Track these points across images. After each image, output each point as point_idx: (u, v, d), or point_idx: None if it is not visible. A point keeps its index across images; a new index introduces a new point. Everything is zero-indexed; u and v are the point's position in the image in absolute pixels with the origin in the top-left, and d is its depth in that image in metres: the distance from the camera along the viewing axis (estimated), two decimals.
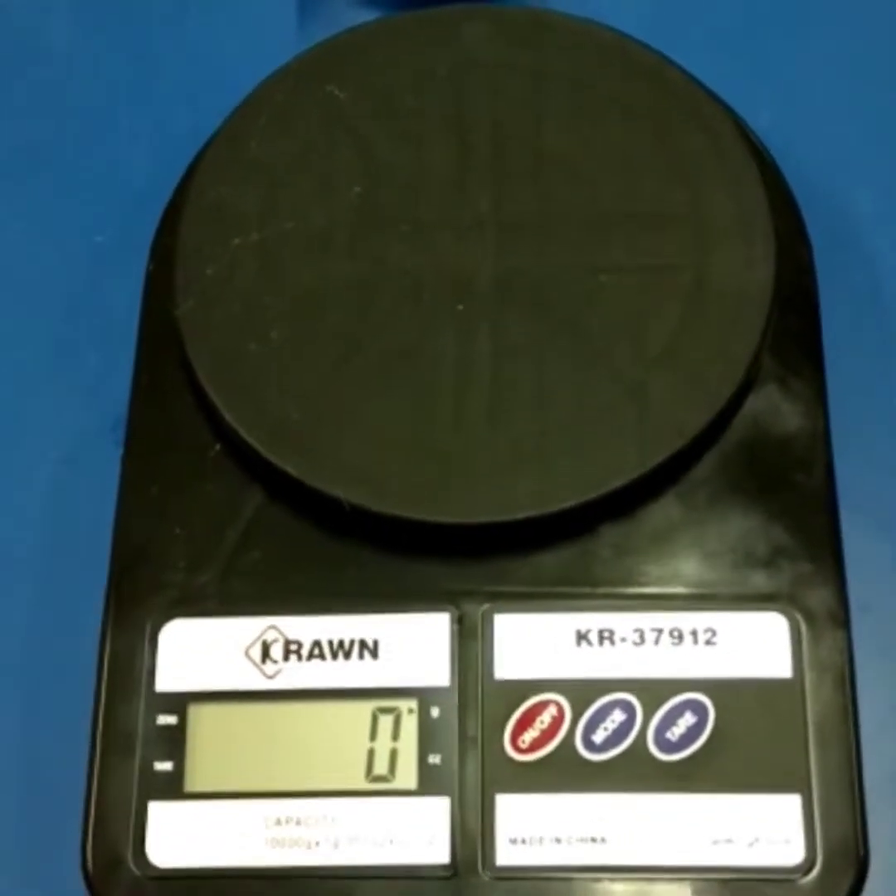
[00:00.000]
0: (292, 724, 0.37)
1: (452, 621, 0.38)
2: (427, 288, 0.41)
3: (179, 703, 0.37)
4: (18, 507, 0.44)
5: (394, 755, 0.37)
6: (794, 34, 0.50)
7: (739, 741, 0.36)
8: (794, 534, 0.39)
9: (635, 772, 0.36)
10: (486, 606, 0.38)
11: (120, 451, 0.41)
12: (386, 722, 0.37)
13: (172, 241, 0.42)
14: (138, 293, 0.43)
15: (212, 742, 0.37)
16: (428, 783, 0.37)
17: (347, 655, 0.38)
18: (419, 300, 0.41)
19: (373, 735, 0.37)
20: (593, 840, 0.36)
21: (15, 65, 0.51)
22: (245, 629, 0.38)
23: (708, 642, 0.37)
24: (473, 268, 0.41)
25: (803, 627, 0.37)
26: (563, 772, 0.36)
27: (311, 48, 0.45)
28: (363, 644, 0.38)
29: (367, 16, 0.50)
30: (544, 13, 0.47)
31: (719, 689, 0.37)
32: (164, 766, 0.37)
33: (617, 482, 0.38)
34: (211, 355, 0.40)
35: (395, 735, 0.37)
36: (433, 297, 0.41)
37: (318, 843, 0.36)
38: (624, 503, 0.38)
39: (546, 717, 0.37)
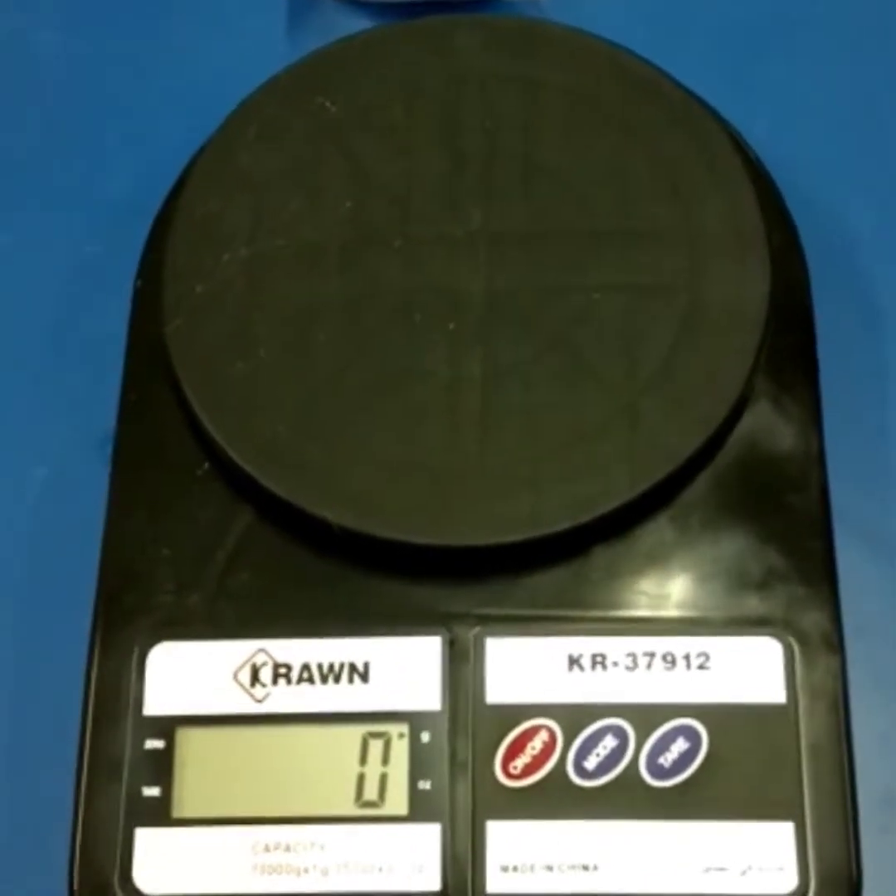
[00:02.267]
0: (281, 748, 0.37)
1: (444, 644, 0.37)
2: (418, 305, 0.40)
3: (167, 727, 0.37)
4: (4, 525, 0.43)
5: (384, 780, 0.36)
6: (791, 47, 0.50)
7: (732, 767, 0.36)
8: (787, 557, 0.38)
9: (627, 798, 0.36)
10: (477, 629, 0.37)
11: (107, 469, 0.40)
12: (376, 746, 0.37)
13: (160, 258, 0.41)
14: (126, 307, 0.43)
15: (200, 767, 0.37)
16: (418, 809, 0.36)
17: (337, 679, 0.37)
18: (410, 318, 0.40)
19: (363, 760, 0.37)
20: (585, 868, 0.36)
21: (3, 76, 0.51)
22: (234, 652, 0.38)
23: (701, 667, 0.37)
24: (465, 285, 0.41)
25: (797, 652, 0.37)
26: (555, 798, 0.36)
27: (300, 60, 0.45)
28: (353, 667, 0.37)
29: (357, 25, 0.49)
30: (537, 24, 0.47)
31: (712, 714, 0.37)
32: (152, 791, 0.36)
33: (609, 504, 0.38)
34: (199, 373, 0.40)
35: (386, 760, 0.37)
36: (424, 315, 0.40)
37: (307, 870, 0.36)
38: (616, 526, 0.38)
39: (537, 743, 0.36)
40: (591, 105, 0.43)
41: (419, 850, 0.36)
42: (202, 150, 0.43)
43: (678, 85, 0.44)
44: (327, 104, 0.43)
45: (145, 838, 0.36)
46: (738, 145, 0.43)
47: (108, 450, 0.41)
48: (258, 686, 0.37)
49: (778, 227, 0.42)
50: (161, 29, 0.51)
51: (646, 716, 0.37)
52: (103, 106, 0.50)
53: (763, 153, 0.44)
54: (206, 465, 0.40)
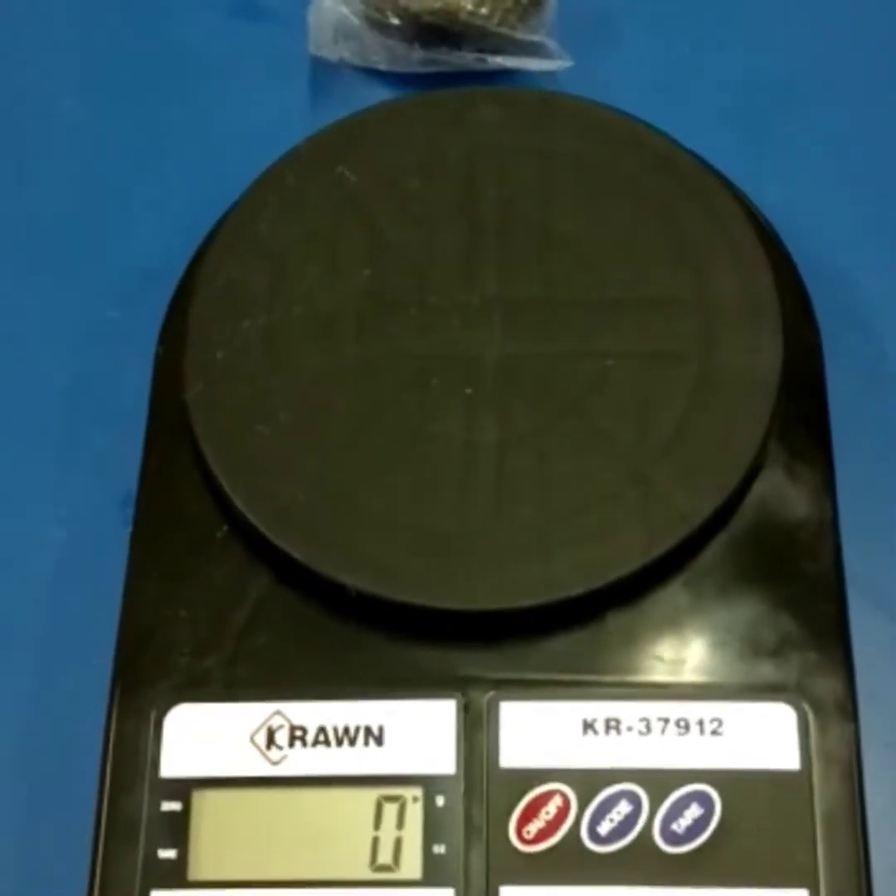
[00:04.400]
0: (296, 811, 0.37)
1: (458, 708, 0.38)
2: (434, 372, 0.41)
3: (184, 789, 0.37)
4: (25, 585, 0.44)
5: (398, 844, 0.37)
6: (803, 115, 0.50)
7: (746, 834, 0.36)
8: (801, 623, 0.38)
9: (641, 865, 0.36)
10: (491, 694, 0.38)
11: (128, 530, 0.41)
12: (391, 810, 0.37)
13: (181, 325, 0.42)
14: (147, 372, 0.43)
15: (216, 829, 0.37)
16: (433, 873, 0.36)
17: (352, 742, 0.38)
18: (426, 384, 0.41)
19: (377, 823, 0.37)
20: None
21: (28, 142, 0.52)
22: (250, 715, 0.38)
23: (714, 732, 0.37)
24: (481, 352, 0.41)
25: (811, 718, 0.37)
26: (569, 864, 0.36)
27: (320, 130, 0.46)
28: (368, 731, 0.38)
29: (378, 94, 0.51)
30: (551, 95, 0.48)
31: (726, 780, 0.37)
32: (168, 853, 0.37)
33: (623, 570, 0.38)
34: (219, 439, 0.40)
35: (400, 823, 0.37)
36: (440, 382, 0.41)
37: None
38: (630, 591, 0.38)
39: (552, 808, 0.37)
40: (605, 175, 0.44)
41: None
42: (224, 218, 0.44)
43: (691, 154, 0.45)
44: (347, 174, 0.44)
45: None
46: (751, 213, 0.44)
47: (129, 511, 0.41)
48: (274, 748, 0.38)
49: (790, 294, 0.43)
50: (184, 97, 0.52)
51: (659, 781, 0.37)
52: (127, 172, 0.51)
53: (775, 220, 0.45)
54: (225, 528, 0.40)
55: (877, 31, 0.52)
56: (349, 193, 0.44)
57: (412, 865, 0.36)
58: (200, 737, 0.38)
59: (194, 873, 0.37)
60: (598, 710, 0.37)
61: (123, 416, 0.44)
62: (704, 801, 0.36)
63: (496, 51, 0.50)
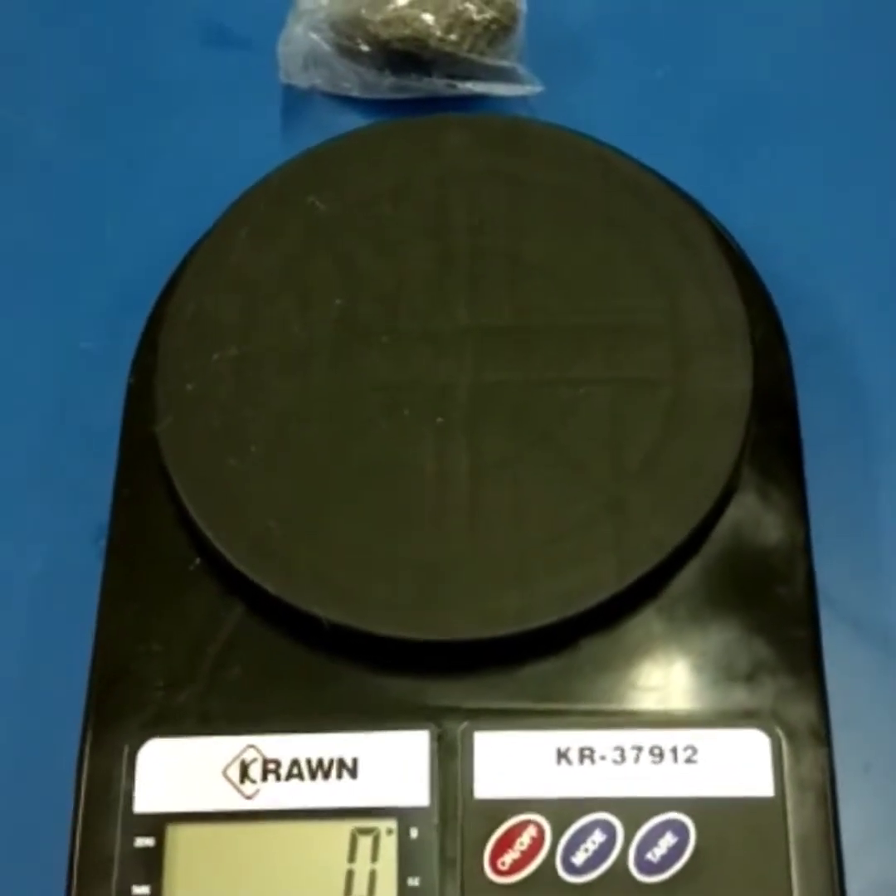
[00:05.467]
0: (271, 845, 0.37)
1: (432, 739, 0.37)
2: (406, 402, 0.41)
3: (158, 824, 0.37)
4: None
5: (373, 877, 0.36)
6: (773, 140, 0.50)
7: (721, 862, 0.36)
8: (774, 648, 0.38)
9: (616, 894, 0.36)
10: (465, 724, 0.38)
11: (101, 562, 0.41)
12: (365, 843, 0.37)
13: (152, 357, 0.42)
14: (121, 402, 0.43)
15: (189, 864, 0.37)
16: None
17: (326, 775, 0.37)
18: (399, 414, 0.41)
19: (352, 856, 0.37)
20: None
21: (1, 171, 0.52)
22: (223, 748, 0.38)
23: (688, 760, 0.37)
24: (453, 381, 0.41)
25: (784, 745, 0.37)
26: (544, 895, 0.36)
27: (291, 160, 0.46)
28: (342, 763, 0.37)
29: (350, 121, 0.51)
30: (522, 121, 0.48)
31: (700, 808, 0.37)
32: (142, 890, 0.36)
33: (596, 597, 0.38)
34: (190, 471, 0.40)
35: (375, 856, 0.37)
36: (413, 411, 0.41)
37: None
38: (604, 618, 0.38)
39: (526, 839, 0.36)
40: (576, 202, 0.44)
41: None
42: (195, 249, 0.44)
43: (662, 180, 0.45)
44: (317, 203, 0.44)
45: None
46: (722, 238, 0.44)
47: (103, 544, 0.41)
48: (248, 782, 0.37)
49: (761, 319, 0.43)
50: (157, 127, 0.52)
51: (634, 810, 0.37)
52: (99, 203, 0.51)
53: (746, 244, 0.45)
54: (197, 560, 0.40)
55: (851, 55, 0.52)
56: (320, 223, 0.44)
57: None
58: (174, 771, 0.38)
59: None
60: (572, 739, 0.37)
61: (98, 448, 0.44)
62: (679, 829, 0.36)
63: (467, 76, 0.50)
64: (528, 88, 0.50)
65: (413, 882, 0.36)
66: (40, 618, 0.43)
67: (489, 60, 0.50)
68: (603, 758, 0.37)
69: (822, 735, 0.37)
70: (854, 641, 0.41)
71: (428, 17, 0.50)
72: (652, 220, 0.44)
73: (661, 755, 0.37)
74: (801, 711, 0.37)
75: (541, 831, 0.37)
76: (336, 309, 0.42)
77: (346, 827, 0.37)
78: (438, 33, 0.49)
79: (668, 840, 0.36)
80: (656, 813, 0.37)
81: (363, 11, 0.50)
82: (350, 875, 0.36)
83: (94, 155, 0.52)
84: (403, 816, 0.37)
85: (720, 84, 0.51)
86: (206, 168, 0.51)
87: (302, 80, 0.51)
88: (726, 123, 0.51)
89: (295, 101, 0.52)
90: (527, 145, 0.45)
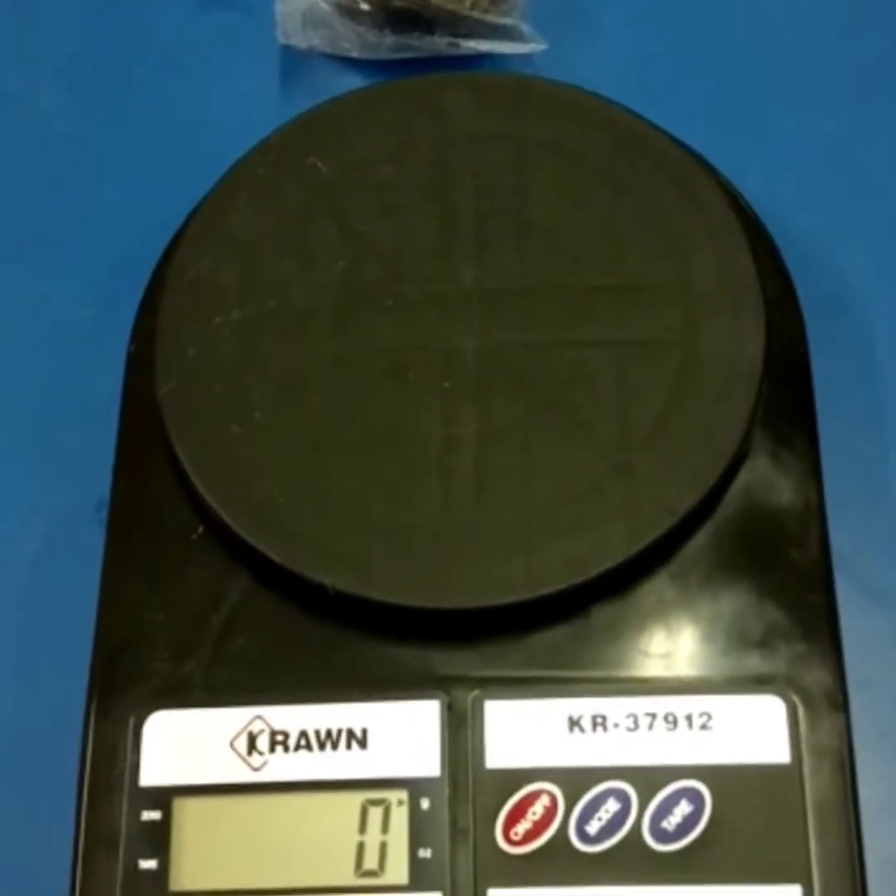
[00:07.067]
0: (279, 818, 0.36)
1: (442, 709, 0.37)
2: (411, 365, 0.40)
3: (164, 797, 0.37)
4: None
5: (384, 849, 0.36)
6: (784, 99, 0.49)
7: (737, 829, 0.36)
8: (789, 612, 0.38)
9: (631, 864, 0.35)
10: (476, 693, 0.37)
11: (103, 533, 0.40)
12: (375, 814, 0.36)
13: (153, 321, 0.41)
14: (120, 371, 0.42)
15: (197, 838, 0.36)
16: (419, 878, 0.36)
17: (335, 746, 0.37)
18: (403, 378, 0.40)
19: (362, 828, 0.36)
20: None
21: None
22: (230, 720, 0.37)
23: (703, 727, 0.36)
24: (458, 344, 0.40)
25: (800, 710, 0.36)
26: (557, 865, 0.35)
27: (290, 121, 0.45)
28: (351, 734, 0.37)
29: (349, 82, 0.50)
30: (527, 80, 0.47)
31: (715, 775, 0.36)
32: (149, 863, 0.36)
33: (607, 563, 0.37)
34: (193, 437, 0.39)
35: (385, 828, 0.36)
36: (418, 375, 0.40)
37: None
38: (615, 584, 0.38)
39: (539, 808, 0.36)
40: (583, 161, 0.43)
41: None
42: (194, 212, 0.43)
43: (671, 139, 0.44)
44: (318, 164, 0.43)
45: None
46: (732, 198, 0.43)
47: (104, 514, 0.40)
48: (255, 754, 0.37)
49: (772, 280, 0.42)
50: (155, 90, 0.51)
51: (648, 778, 0.36)
52: (97, 168, 0.50)
53: (757, 205, 0.44)
54: (201, 529, 0.39)
55: (861, 16, 0.51)
56: (321, 184, 0.43)
57: (398, 870, 0.36)
58: (180, 744, 0.37)
59: (176, 883, 0.36)
60: (584, 706, 0.37)
61: (97, 417, 0.43)
62: (694, 797, 0.36)
63: (469, 35, 0.49)
64: (531, 47, 0.49)
65: (424, 853, 0.36)
66: (42, 590, 0.43)
67: (492, 18, 0.49)
68: (616, 725, 0.37)
69: (839, 700, 0.37)
70: (868, 605, 0.41)
71: None
72: (661, 179, 0.43)
73: (676, 722, 0.37)
74: (817, 676, 0.37)
75: (554, 801, 0.36)
76: (339, 271, 0.41)
77: (356, 798, 0.36)
78: None
79: (684, 808, 0.36)
80: (671, 781, 0.36)
81: None
82: (361, 847, 0.36)
83: (91, 119, 0.51)
84: (414, 787, 0.36)
85: (729, 42, 0.50)
86: (204, 131, 0.50)
87: (300, 41, 0.50)
88: (736, 83, 0.50)
89: (293, 62, 0.51)
90: (532, 103, 0.44)
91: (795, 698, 0.37)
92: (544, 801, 0.36)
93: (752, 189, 0.44)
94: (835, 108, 0.49)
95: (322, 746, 0.37)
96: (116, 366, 0.43)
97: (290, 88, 0.51)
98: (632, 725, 0.37)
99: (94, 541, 0.40)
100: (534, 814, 0.36)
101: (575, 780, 0.36)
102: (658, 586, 0.38)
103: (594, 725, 0.37)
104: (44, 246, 0.49)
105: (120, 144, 0.50)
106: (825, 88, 0.50)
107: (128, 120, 0.51)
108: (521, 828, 0.36)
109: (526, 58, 0.50)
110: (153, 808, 0.36)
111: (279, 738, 0.37)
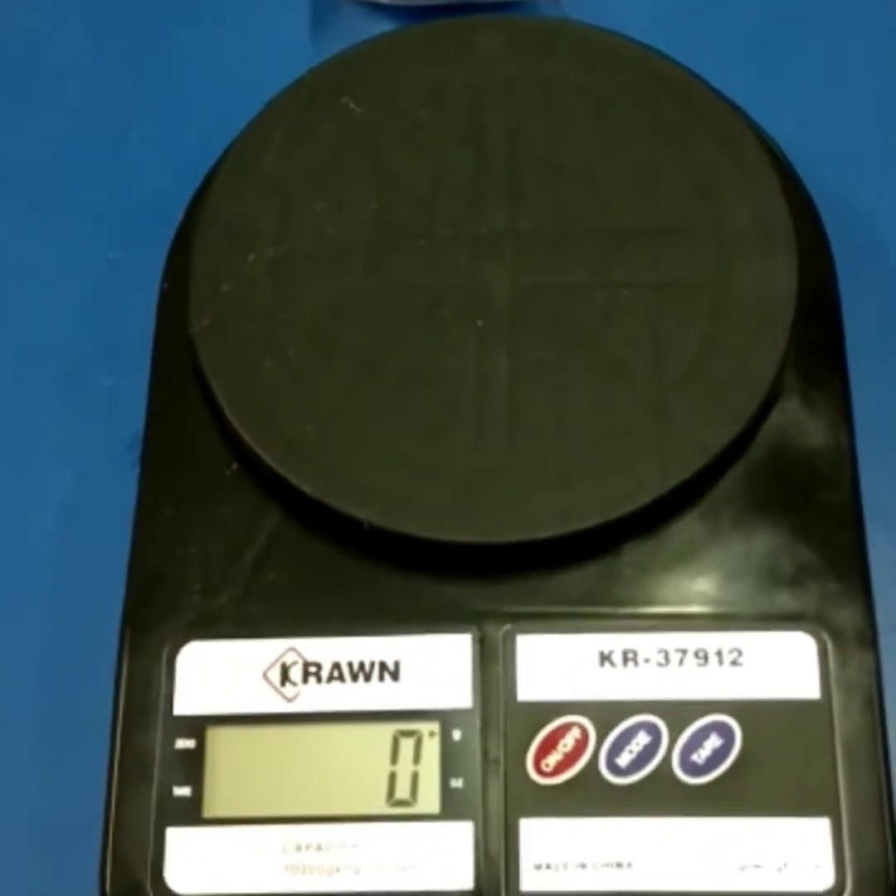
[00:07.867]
0: (312, 747, 0.37)
1: (474, 642, 0.37)
2: (445, 305, 0.40)
3: (197, 727, 0.37)
4: (32, 529, 0.43)
5: (415, 779, 0.36)
6: (817, 43, 0.49)
7: (767, 764, 0.36)
8: (819, 551, 0.38)
9: (661, 795, 0.36)
10: (507, 627, 0.37)
11: (136, 472, 0.40)
12: (407, 745, 0.37)
13: (186, 260, 0.41)
14: (152, 311, 0.43)
15: (230, 766, 0.37)
16: (450, 807, 0.36)
17: (367, 678, 0.37)
18: (437, 317, 0.40)
19: (394, 758, 0.37)
20: (619, 865, 0.35)
21: (27, 81, 0.51)
22: (263, 651, 0.38)
23: (733, 663, 0.37)
24: (492, 284, 0.40)
25: (830, 647, 0.37)
26: (588, 796, 0.36)
27: (324, 61, 0.45)
28: (383, 666, 0.37)
29: (380, 28, 0.49)
30: (560, 23, 0.47)
31: (746, 710, 0.36)
32: (183, 791, 0.36)
33: (640, 501, 0.37)
34: (227, 374, 0.40)
35: (417, 758, 0.36)
36: (451, 314, 0.40)
37: (338, 869, 0.36)
38: (647, 522, 0.38)
39: (569, 740, 0.36)
40: (615, 104, 0.43)
41: (451, 848, 0.36)
42: (227, 152, 0.43)
43: (704, 83, 0.44)
44: (352, 105, 0.43)
45: (176, 838, 0.36)
46: (765, 143, 0.43)
47: (136, 452, 0.41)
48: (288, 685, 0.37)
49: (805, 224, 0.42)
50: (184, 34, 0.51)
51: (678, 712, 0.36)
52: (127, 111, 0.50)
53: (790, 150, 0.44)
54: (235, 465, 0.39)
55: None
56: (355, 125, 0.43)
57: (430, 800, 0.36)
58: (213, 674, 0.37)
59: (209, 810, 0.36)
60: (616, 642, 0.37)
61: (128, 358, 0.43)
62: (724, 731, 0.36)
63: None
64: None
65: (456, 783, 0.36)
66: (75, 526, 0.43)
67: None
68: (647, 660, 0.37)
69: (869, 638, 0.37)
70: None
71: None
72: (694, 124, 0.43)
73: (706, 658, 0.37)
74: (847, 614, 0.37)
75: (585, 733, 0.36)
76: (372, 211, 0.42)
77: (388, 729, 0.37)
78: None
79: (714, 742, 0.36)
80: (701, 715, 0.36)
81: None
82: (392, 777, 0.36)
83: (122, 63, 0.51)
84: (446, 718, 0.37)
85: None
86: (233, 76, 0.50)
87: None
88: (769, 27, 0.49)
89: (323, 8, 0.51)
90: (564, 47, 0.44)
91: (825, 635, 0.37)
92: (575, 733, 0.36)
93: (784, 134, 0.44)
94: (869, 55, 0.49)
95: (355, 678, 0.37)
96: (147, 307, 0.43)
97: (320, 34, 0.51)
98: (662, 660, 0.37)
99: (126, 479, 0.40)
100: (564, 746, 0.36)
101: (605, 714, 0.36)
102: (690, 525, 0.38)
103: (625, 660, 0.37)
104: (73, 189, 0.49)
105: (150, 87, 0.50)
106: (859, 35, 0.49)
107: (159, 63, 0.50)
108: (552, 759, 0.36)
109: (556, 2, 0.50)
110: (187, 736, 0.37)
111: (312, 669, 0.37)
